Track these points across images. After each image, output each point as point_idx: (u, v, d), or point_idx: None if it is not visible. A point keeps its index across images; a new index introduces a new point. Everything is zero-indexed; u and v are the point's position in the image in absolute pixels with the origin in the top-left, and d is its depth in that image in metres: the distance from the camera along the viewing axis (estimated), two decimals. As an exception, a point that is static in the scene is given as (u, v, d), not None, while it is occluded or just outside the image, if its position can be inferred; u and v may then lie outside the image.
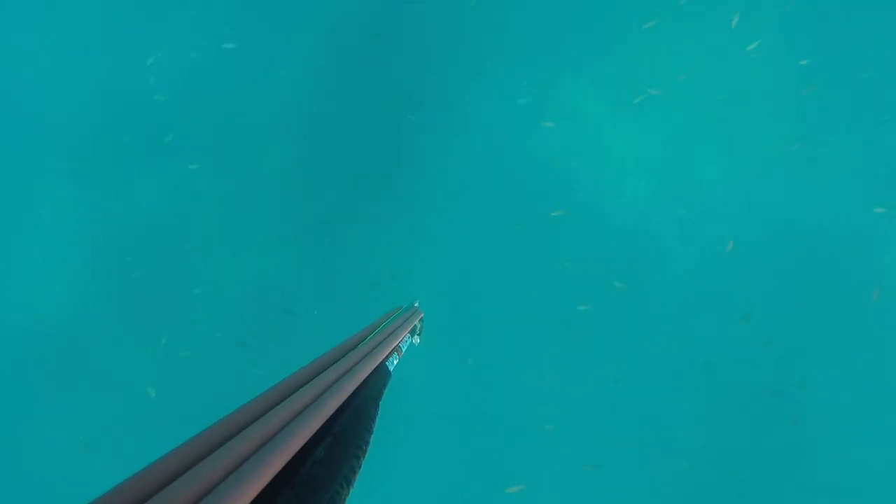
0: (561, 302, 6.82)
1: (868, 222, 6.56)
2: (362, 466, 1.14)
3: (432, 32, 6.85)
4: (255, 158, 7.01)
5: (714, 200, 6.75)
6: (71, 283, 7.18)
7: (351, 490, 1.06)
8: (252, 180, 7.02)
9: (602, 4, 6.72)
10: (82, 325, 7.16)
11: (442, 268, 6.92)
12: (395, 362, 1.70)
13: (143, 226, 7.05)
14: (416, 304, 2.26)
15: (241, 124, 7.00)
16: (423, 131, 6.87)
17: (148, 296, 7.06)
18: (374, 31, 6.58)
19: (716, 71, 6.62)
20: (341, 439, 1.09)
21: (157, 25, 7.03)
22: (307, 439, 0.93)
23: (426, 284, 6.89)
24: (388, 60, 6.85)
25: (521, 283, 6.88)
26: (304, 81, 6.96)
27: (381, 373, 1.47)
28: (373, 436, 1.23)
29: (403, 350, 1.85)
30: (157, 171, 7.03)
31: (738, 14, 6.13)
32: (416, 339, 2.18)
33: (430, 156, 6.90)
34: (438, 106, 6.85)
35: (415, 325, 2.09)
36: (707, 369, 6.72)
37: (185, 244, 7.03)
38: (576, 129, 6.76)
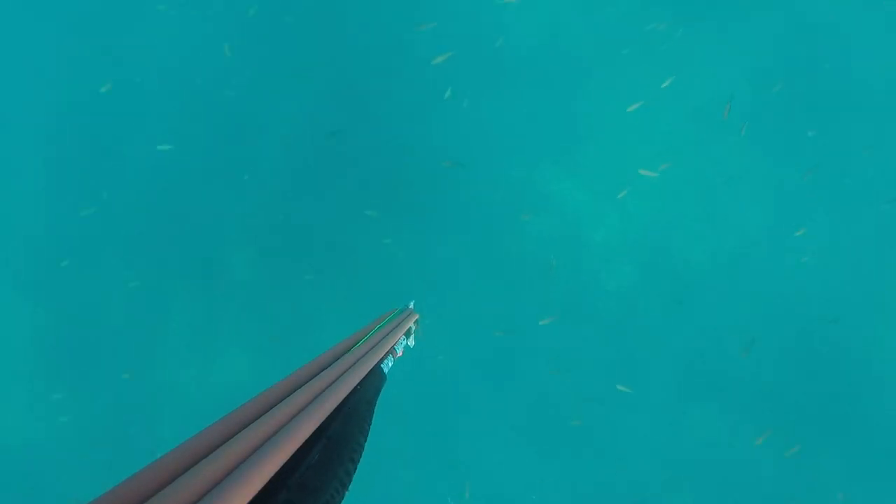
0: (551, 414, 6.43)
1: (885, 317, 6.10)
2: (358, 470, 1.13)
3: (405, 123, 6.54)
4: (220, 269, 6.67)
5: (713, 294, 6.38)
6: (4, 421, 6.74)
7: (346, 493, 1.05)
8: (202, 295, 6.63)
9: (582, 91, 6.43)
10: (28, 462, 6.68)
11: (422, 373, 6.48)
12: (391, 364, 1.70)
13: (80, 350, 6.63)
14: (410, 306, 2.24)
15: (193, 235, 6.66)
16: (392, 230, 6.50)
17: (85, 436, 6.62)
18: (332, 128, 6.29)
19: (706, 154, 6.30)
20: (335, 443, 1.08)
21: (113, 136, 6.73)
22: (300, 444, 0.92)
23: (405, 393, 6.42)
24: (356, 156, 6.52)
25: (507, 395, 6.48)
26: (263, 186, 6.62)
27: (375, 375, 1.47)
28: (367, 439, 1.23)
29: (398, 352, 1.85)
30: (95, 288, 6.66)
31: (728, 104, 5.90)
32: (412, 341, 2.17)
33: (403, 258, 6.52)
34: (410, 201, 6.52)
35: (409, 327, 2.08)
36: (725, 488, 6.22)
37: (121, 372, 6.63)
38: (558, 221, 6.44)
